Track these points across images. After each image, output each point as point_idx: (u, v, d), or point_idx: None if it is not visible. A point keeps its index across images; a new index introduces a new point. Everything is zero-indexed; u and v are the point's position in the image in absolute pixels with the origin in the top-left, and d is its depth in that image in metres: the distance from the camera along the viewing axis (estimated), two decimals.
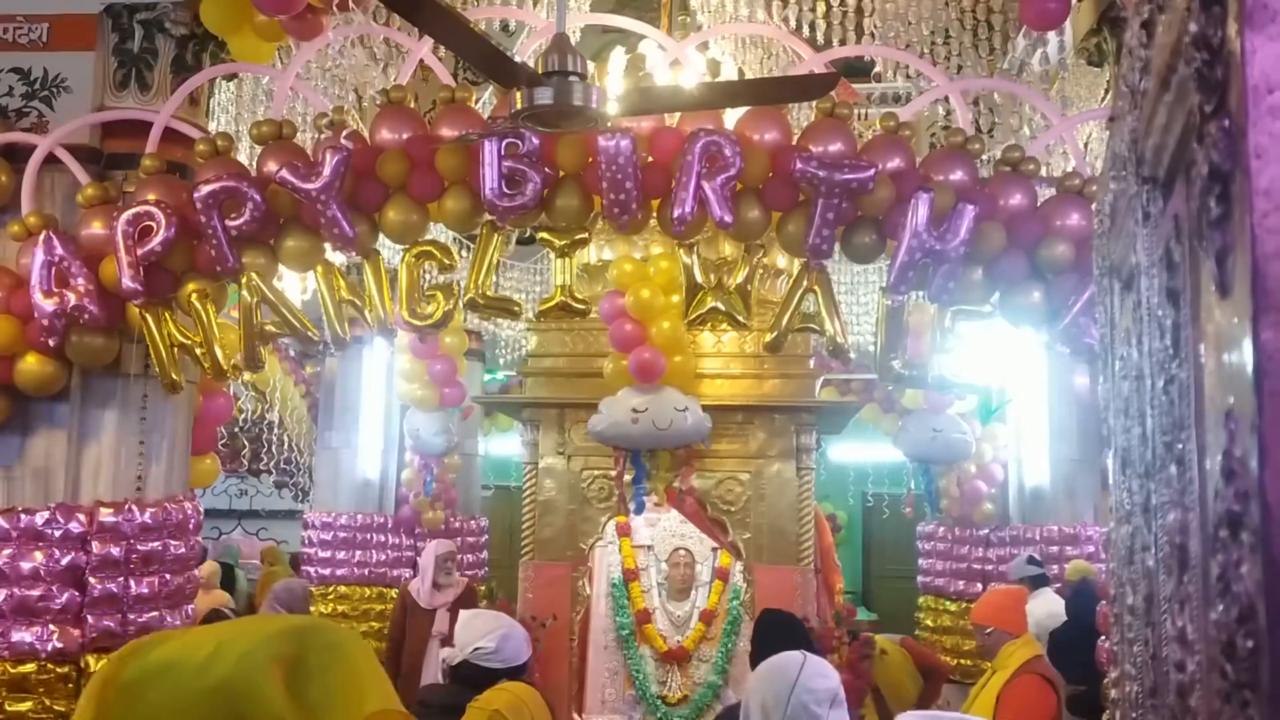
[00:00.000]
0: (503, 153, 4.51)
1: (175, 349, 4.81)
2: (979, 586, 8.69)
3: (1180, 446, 0.79)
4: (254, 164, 4.91)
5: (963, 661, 8.75)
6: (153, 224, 4.63)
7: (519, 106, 3.29)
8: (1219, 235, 0.68)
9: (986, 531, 8.77)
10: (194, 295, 4.78)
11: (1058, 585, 7.58)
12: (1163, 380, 0.79)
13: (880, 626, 9.79)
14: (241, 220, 4.61)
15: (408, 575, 8.62)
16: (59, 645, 4.69)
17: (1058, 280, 4.48)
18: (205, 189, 4.58)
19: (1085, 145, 5.84)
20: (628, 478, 6.25)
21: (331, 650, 1.15)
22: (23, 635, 4.67)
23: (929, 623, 9.41)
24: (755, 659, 3.67)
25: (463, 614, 4.07)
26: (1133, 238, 0.92)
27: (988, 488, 8.75)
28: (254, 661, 1.09)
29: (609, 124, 3.76)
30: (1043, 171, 4.81)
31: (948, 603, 9.12)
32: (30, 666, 4.68)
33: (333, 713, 1.09)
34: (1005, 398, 8.70)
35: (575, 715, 6.76)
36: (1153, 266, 0.84)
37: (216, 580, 9.89)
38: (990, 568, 8.63)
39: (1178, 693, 0.81)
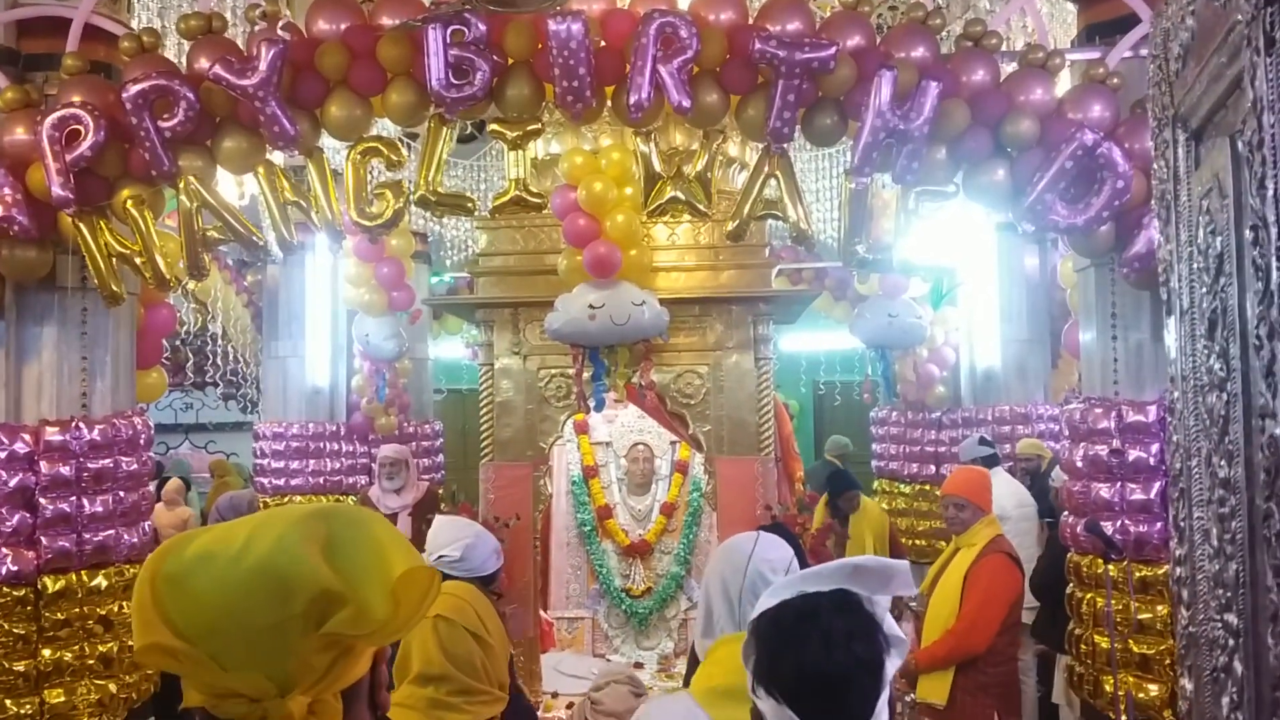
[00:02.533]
0: (448, 40, 4.31)
1: (113, 259, 4.61)
2: (932, 469, 8.84)
3: None
4: (184, 61, 4.66)
5: (918, 542, 8.93)
6: (80, 127, 4.38)
7: None
8: None
9: (939, 414, 8.87)
10: (129, 202, 4.56)
11: (1009, 464, 7.69)
12: None
13: None
14: (175, 121, 4.38)
15: (364, 482, 8.56)
16: (13, 568, 4.56)
17: (1022, 157, 4.41)
18: (134, 88, 4.33)
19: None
20: (586, 375, 6.16)
21: (356, 526, 1.31)
22: None
23: (884, 505, 9.56)
24: None
25: (436, 521, 4.00)
26: (1248, 69, 0.83)
27: (940, 371, 8.83)
28: (289, 541, 1.24)
29: (563, 4, 3.59)
30: (1004, 47, 4.70)
31: (902, 485, 9.28)
32: None
33: (368, 574, 1.25)
34: (956, 280, 8.72)
35: (541, 611, 6.79)
36: None
37: (183, 497, 9.77)
38: (943, 449, 8.75)
39: None
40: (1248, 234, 0.89)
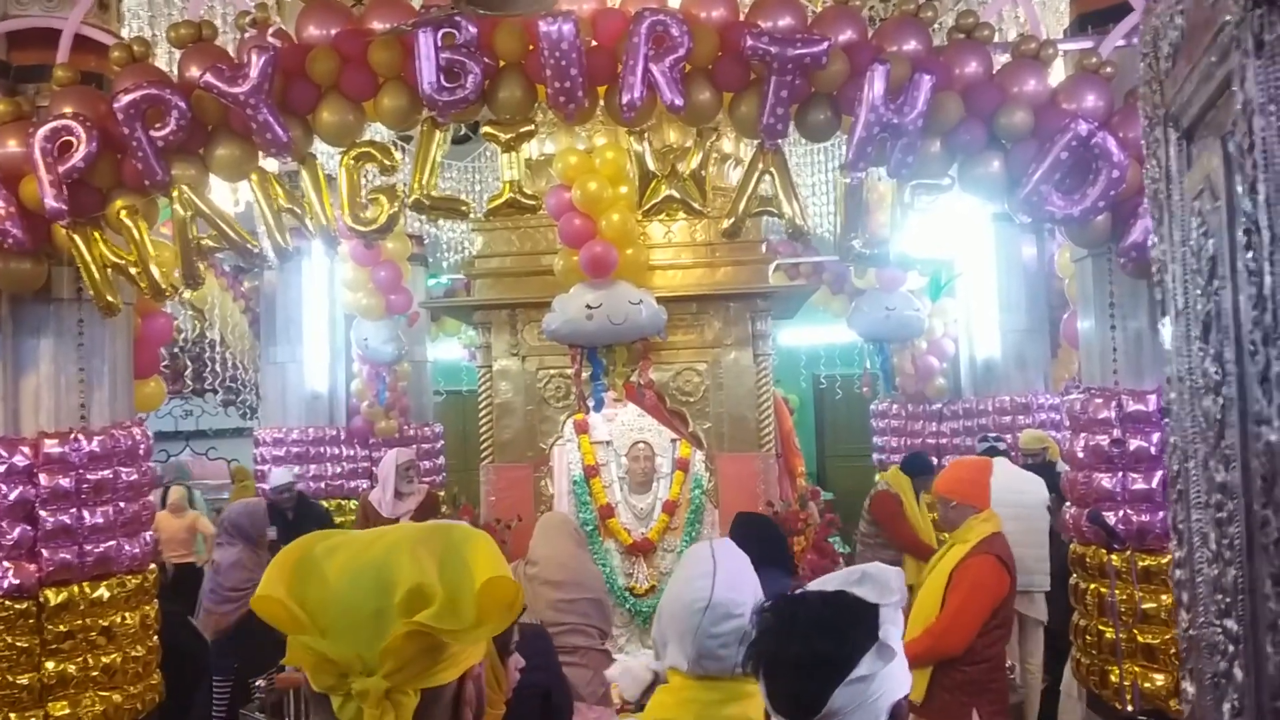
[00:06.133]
0: (440, 44, 4.29)
1: (108, 270, 4.60)
2: (934, 460, 8.82)
3: None
4: (175, 70, 4.64)
5: None
6: (72, 139, 4.37)
7: None
8: None
9: (939, 406, 8.87)
10: (123, 212, 4.54)
11: (1013, 454, 7.68)
12: None
13: (836, 506, 9.93)
14: (167, 130, 4.37)
15: (365, 486, 8.55)
16: (15, 581, 4.55)
17: (1017, 149, 4.40)
18: (125, 99, 4.32)
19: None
20: (585, 375, 6.16)
21: (465, 539, 1.46)
22: None
23: None
24: None
25: None
26: (1237, 71, 0.82)
27: (940, 362, 8.82)
28: (399, 548, 1.42)
29: (554, 6, 3.57)
30: (996, 38, 4.68)
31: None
32: None
33: (460, 578, 1.39)
34: (954, 272, 8.71)
35: None
36: (1271, 103, 0.74)
37: (186, 503, 9.76)
38: (944, 441, 8.75)
39: None
40: (1240, 237, 0.88)
